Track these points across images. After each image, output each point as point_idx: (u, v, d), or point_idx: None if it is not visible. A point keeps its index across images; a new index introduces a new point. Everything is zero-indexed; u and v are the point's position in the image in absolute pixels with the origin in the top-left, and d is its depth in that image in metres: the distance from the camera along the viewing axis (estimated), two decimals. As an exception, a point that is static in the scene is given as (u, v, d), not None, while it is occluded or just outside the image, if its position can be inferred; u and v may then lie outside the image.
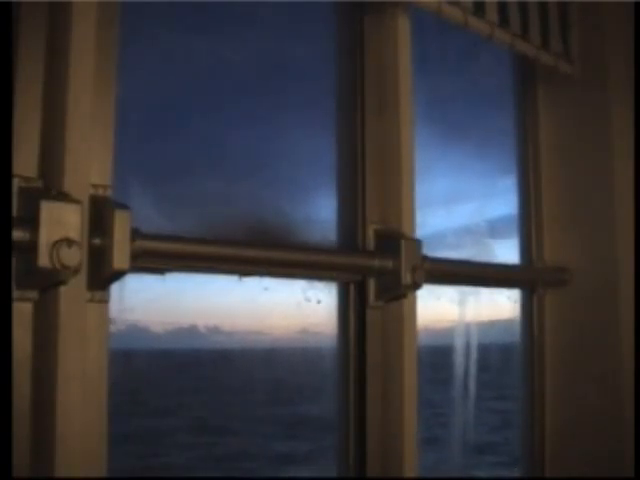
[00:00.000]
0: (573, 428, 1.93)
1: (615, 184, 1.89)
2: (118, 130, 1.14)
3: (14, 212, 1.01)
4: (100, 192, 1.09)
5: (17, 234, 0.96)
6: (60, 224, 0.97)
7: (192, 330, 1.39)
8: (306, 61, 1.62)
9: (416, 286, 1.46)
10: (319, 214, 1.58)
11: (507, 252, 2.05)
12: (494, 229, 2.00)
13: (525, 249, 2.06)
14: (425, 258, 1.49)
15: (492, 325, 2.02)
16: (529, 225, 2.06)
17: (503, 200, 2.10)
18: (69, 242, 0.96)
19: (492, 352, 2.05)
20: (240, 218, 1.43)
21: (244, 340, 1.48)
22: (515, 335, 2.04)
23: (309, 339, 1.57)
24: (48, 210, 0.97)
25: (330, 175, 1.60)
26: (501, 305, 2.05)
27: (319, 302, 1.53)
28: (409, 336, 1.50)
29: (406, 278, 1.44)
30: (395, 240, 1.47)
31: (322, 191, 1.61)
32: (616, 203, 1.89)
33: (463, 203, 1.94)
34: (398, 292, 1.48)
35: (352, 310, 1.55)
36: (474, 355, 1.94)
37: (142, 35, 1.29)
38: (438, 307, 1.84)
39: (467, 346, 1.93)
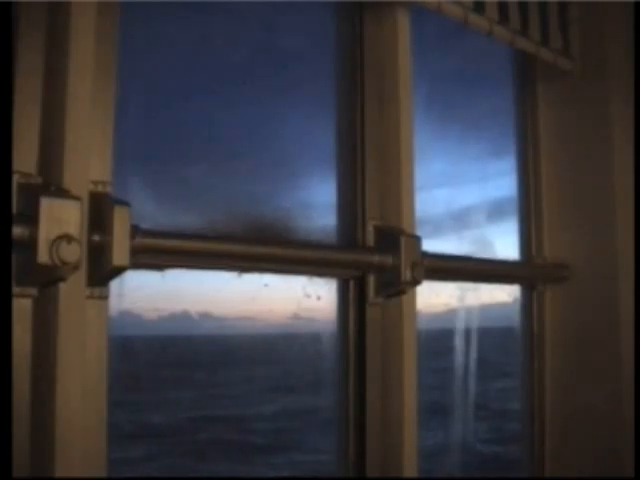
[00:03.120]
0: (573, 427, 1.93)
1: (615, 180, 1.89)
2: (118, 126, 1.14)
3: (14, 209, 1.01)
4: (100, 188, 1.10)
5: (17, 231, 0.96)
6: (60, 221, 0.97)
7: (189, 325, 1.38)
8: (305, 60, 1.62)
9: (416, 282, 1.46)
10: (319, 210, 1.58)
11: (504, 238, 2.05)
12: (491, 217, 2.00)
13: (525, 245, 2.06)
14: (425, 254, 1.49)
15: (491, 321, 2.02)
16: (529, 222, 2.05)
17: (500, 189, 2.10)
18: (69, 238, 0.96)
19: (491, 345, 2.05)
20: (240, 213, 1.43)
21: (244, 337, 1.48)
22: (514, 332, 2.04)
23: (309, 335, 1.57)
24: (48, 206, 0.97)
25: (330, 172, 1.60)
26: (500, 301, 2.05)
27: (319, 298, 1.53)
28: (409, 332, 1.50)
29: (406, 274, 1.44)
30: (395, 236, 1.47)
31: (322, 187, 1.61)
32: (616, 199, 1.88)
33: (461, 196, 1.94)
34: (398, 288, 1.48)
35: (352, 306, 1.55)
36: (474, 341, 1.94)
37: (141, 30, 1.29)
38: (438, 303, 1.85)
39: (466, 340, 1.94)
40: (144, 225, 1.12)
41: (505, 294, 2.04)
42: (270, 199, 1.50)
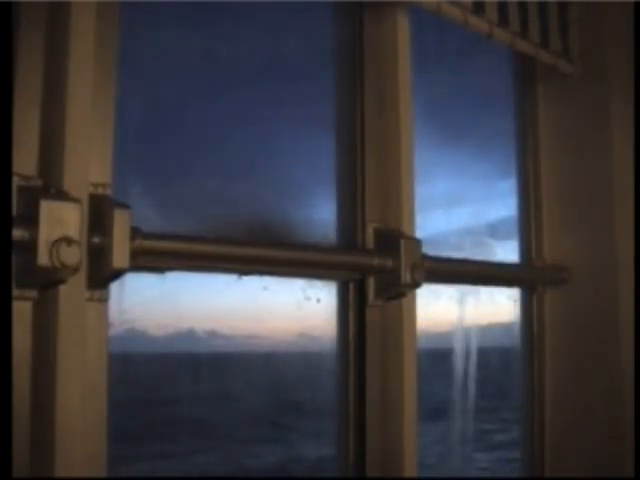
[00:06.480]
0: (573, 428, 1.93)
1: (615, 183, 1.89)
2: (118, 129, 1.14)
3: (14, 211, 1.01)
4: (100, 191, 1.09)
5: (17, 233, 0.96)
6: (60, 223, 0.97)
7: (190, 332, 1.38)
8: (305, 61, 1.62)
9: (416, 285, 1.46)
10: (319, 213, 1.58)
11: (508, 255, 2.05)
12: (494, 231, 2.00)
13: (525, 248, 2.05)
14: (425, 257, 1.49)
15: (491, 324, 2.02)
16: (529, 224, 2.05)
17: (503, 202, 2.10)
18: (69, 241, 0.96)
19: (491, 352, 2.05)
20: (239, 217, 1.43)
21: (243, 340, 1.48)
22: (514, 334, 2.04)
23: (308, 338, 1.57)
24: (48, 209, 0.97)
25: (330, 174, 1.60)
26: (500, 304, 2.04)
27: (319, 301, 1.53)
28: (408, 335, 1.50)
29: (406, 277, 1.44)
30: (395, 239, 1.47)
31: (322, 190, 1.61)
32: (616, 202, 1.88)
33: (463, 205, 1.94)
34: (398, 291, 1.48)
35: (352, 309, 1.55)
36: (473, 354, 1.93)
37: (141, 34, 1.29)
38: (438, 306, 1.84)
39: (466, 346, 1.93)
40: (143, 228, 1.12)
41: (505, 296, 2.04)
42: (269, 203, 1.50)
